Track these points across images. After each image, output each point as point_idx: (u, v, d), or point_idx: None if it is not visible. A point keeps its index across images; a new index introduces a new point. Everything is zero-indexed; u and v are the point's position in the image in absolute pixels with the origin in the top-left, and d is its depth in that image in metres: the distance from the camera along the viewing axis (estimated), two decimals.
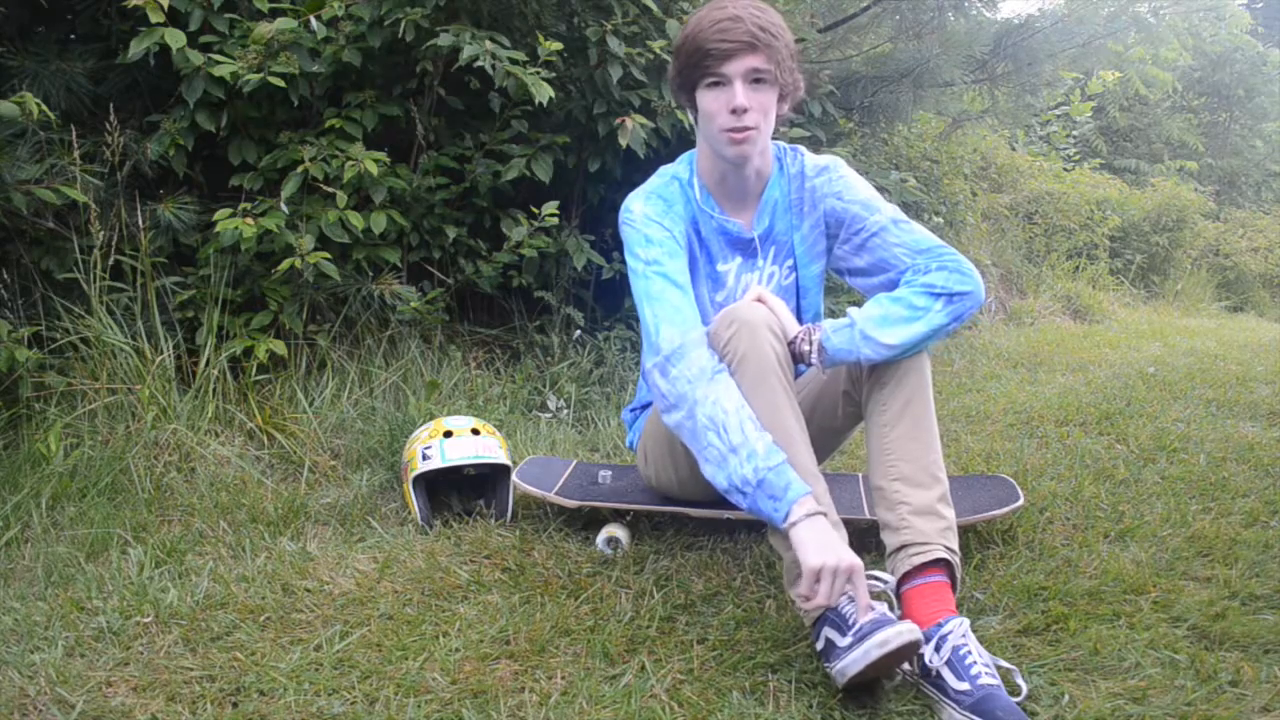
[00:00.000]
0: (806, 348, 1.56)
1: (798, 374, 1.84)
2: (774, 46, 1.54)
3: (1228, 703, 1.33)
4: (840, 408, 1.70)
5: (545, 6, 3.00)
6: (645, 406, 1.95)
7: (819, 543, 1.36)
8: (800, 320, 1.80)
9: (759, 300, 1.63)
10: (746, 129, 1.57)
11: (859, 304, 1.60)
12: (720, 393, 1.46)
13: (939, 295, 1.55)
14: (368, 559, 1.88)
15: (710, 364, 1.50)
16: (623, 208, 1.70)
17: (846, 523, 1.91)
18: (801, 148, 1.77)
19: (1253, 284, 8.41)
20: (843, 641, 1.33)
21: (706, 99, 1.58)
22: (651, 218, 1.65)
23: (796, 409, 1.50)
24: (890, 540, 1.51)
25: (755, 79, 1.55)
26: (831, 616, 1.38)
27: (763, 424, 1.45)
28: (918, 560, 1.46)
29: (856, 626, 1.32)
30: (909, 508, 1.50)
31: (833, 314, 1.75)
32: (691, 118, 1.67)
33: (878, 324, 1.53)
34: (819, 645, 1.39)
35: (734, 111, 1.55)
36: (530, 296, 3.18)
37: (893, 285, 1.64)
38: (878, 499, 1.55)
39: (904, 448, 1.53)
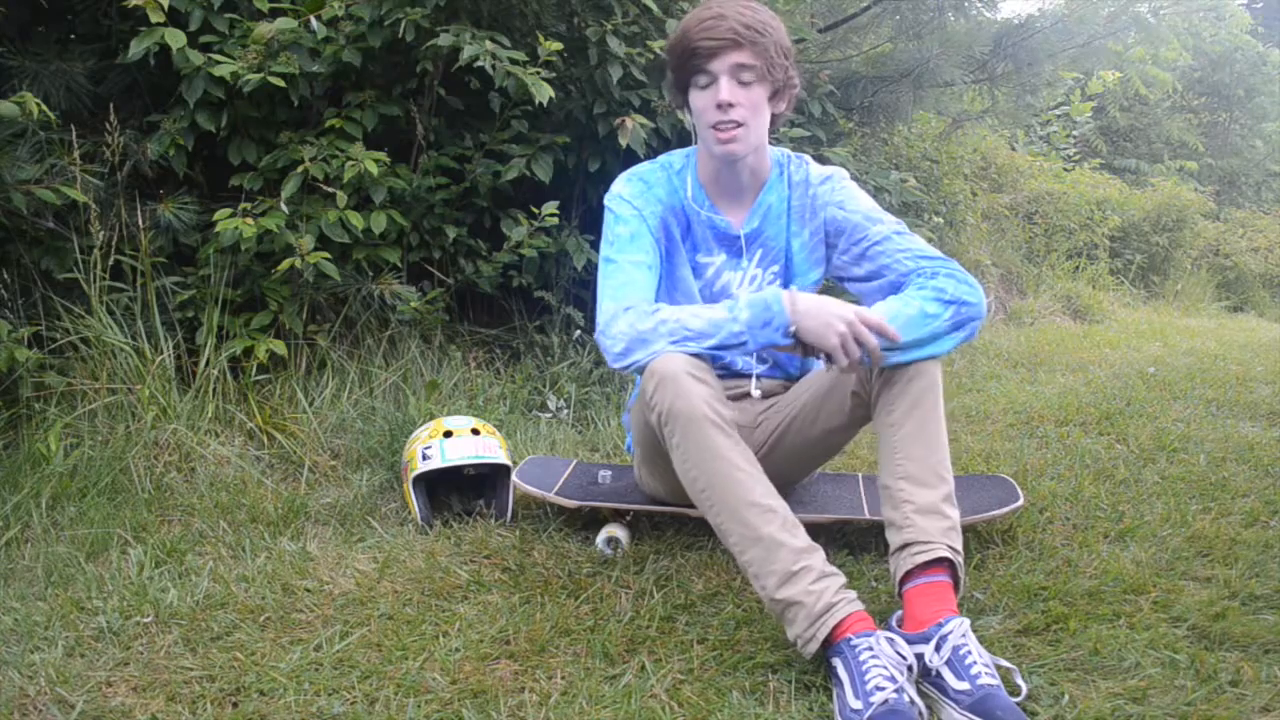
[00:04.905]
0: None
1: (811, 369, 1.84)
2: (760, 43, 1.55)
3: (1228, 703, 1.33)
4: (849, 408, 1.70)
5: (545, 6, 3.00)
6: None
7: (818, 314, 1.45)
8: None
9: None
10: (733, 125, 1.59)
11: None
12: (665, 314, 1.53)
13: (949, 303, 1.55)
14: (368, 559, 1.88)
15: (648, 308, 1.55)
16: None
17: (846, 523, 1.93)
18: (807, 156, 1.78)
19: (1253, 284, 8.41)
20: (854, 703, 1.29)
21: (697, 98, 1.61)
22: (624, 198, 1.71)
23: (739, 444, 1.48)
24: (894, 538, 1.51)
25: (742, 75, 1.57)
26: (845, 651, 1.34)
27: (706, 469, 1.45)
28: (920, 559, 1.45)
29: (870, 711, 1.27)
30: (913, 506, 1.49)
31: None
32: (689, 119, 1.68)
33: (890, 321, 1.51)
34: (830, 671, 1.37)
35: (719, 107, 1.57)
36: (530, 296, 3.18)
37: (894, 288, 1.64)
38: (884, 497, 1.55)
39: (910, 447, 1.53)
